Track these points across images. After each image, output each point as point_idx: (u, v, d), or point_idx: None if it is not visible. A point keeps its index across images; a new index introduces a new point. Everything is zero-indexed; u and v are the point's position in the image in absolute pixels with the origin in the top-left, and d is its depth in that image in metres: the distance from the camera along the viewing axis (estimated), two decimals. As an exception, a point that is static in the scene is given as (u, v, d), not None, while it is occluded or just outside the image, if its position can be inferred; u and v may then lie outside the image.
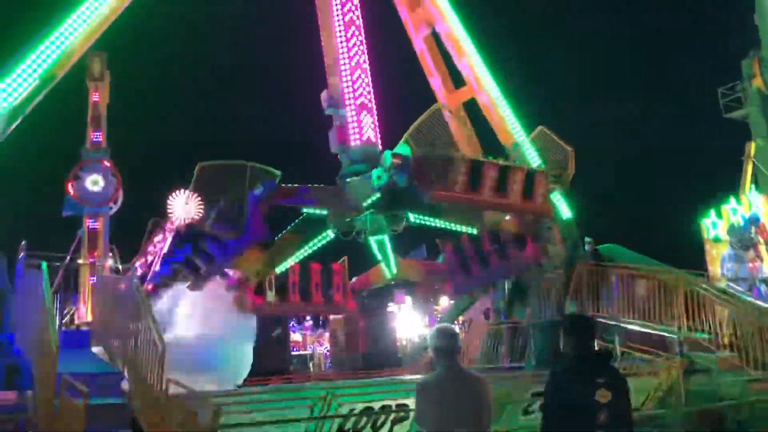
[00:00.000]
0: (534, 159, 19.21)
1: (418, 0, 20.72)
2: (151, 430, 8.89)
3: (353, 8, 18.38)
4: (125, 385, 10.26)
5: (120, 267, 19.66)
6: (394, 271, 18.57)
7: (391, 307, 29.02)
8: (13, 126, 14.73)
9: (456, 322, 22.73)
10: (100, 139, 21.75)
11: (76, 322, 19.99)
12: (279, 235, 17.27)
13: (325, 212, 15.45)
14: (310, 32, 19.09)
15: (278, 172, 14.44)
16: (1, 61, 14.50)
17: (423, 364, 17.78)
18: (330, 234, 16.66)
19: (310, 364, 33.05)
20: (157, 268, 15.53)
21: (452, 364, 4.80)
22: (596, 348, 4.71)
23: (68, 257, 20.64)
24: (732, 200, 23.87)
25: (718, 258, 22.46)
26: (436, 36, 20.81)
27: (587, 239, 18.37)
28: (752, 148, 26.23)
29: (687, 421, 12.37)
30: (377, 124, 17.65)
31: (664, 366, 13.08)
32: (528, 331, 17.20)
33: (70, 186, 20.63)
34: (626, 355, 15.47)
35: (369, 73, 18.02)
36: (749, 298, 15.61)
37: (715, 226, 23.39)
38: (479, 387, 4.78)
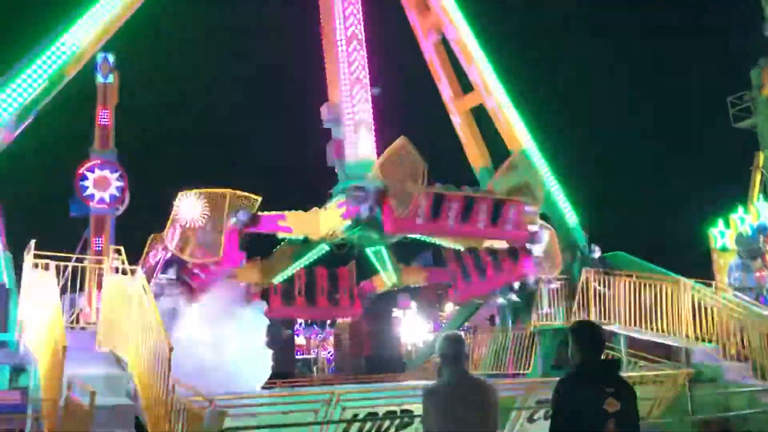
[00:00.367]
0: (542, 166, 19.21)
1: (427, 5, 20.77)
2: (155, 431, 8.90)
3: (356, 22, 18.43)
4: (131, 386, 10.27)
5: (127, 268, 19.66)
6: (395, 279, 18.65)
7: (396, 312, 29.00)
8: (23, 126, 14.81)
9: (461, 328, 22.70)
10: (107, 140, 21.83)
11: (81, 322, 20.02)
12: (277, 246, 17.39)
13: (301, 238, 15.56)
14: (315, 44, 19.14)
15: (258, 198, 14.60)
16: (12, 62, 14.58)
17: (428, 369, 17.77)
18: (325, 247, 16.80)
19: (314, 368, 33.04)
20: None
21: (459, 370, 4.79)
22: (603, 356, 4.68)
23: (74, 257, 20.69)
24: (740, 209, 23.78)
25: (726, 267, 22.33)
26: (444, 41, 20.86)
27: (594, 246, 18.35)
28: (761, 158, 26.15)
29: (693, 431, 12.31)
30: (375, 138, 17.72)
31: (671, 375, 13.04)
32: (534, 338, 17.17)
33: (76, 186, 20.70)
34: (632, 364, 15.42)
35: (369, 87, 18.12)
36: (757, 308, 15.52)
37: (723, 235, 23.30)
38: (486, 393, 4.76)
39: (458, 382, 4.72)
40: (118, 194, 21.00)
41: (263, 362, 15.32)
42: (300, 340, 36.11)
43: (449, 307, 33.00)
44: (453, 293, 19.24)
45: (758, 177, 26.02)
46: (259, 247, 16.94)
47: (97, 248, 20.70)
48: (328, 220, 15.35)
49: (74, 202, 20.79)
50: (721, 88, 28.07)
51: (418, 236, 16.32)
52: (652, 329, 15.19)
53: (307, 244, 16.60)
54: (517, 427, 11.85)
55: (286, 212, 15.07)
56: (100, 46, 16.57)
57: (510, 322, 18.42)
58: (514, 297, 17.19)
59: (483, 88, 19.94)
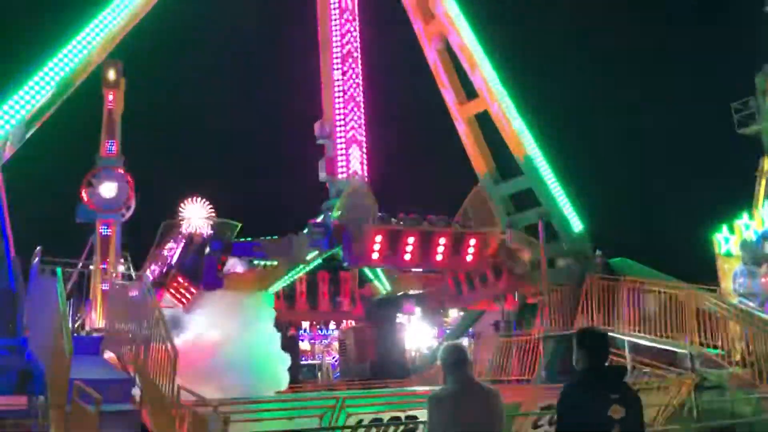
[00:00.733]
0: (546, 172, 19.22)
1: (432, 13, 20.85)
2: (161, 436, 8.93)
3: (352, 39, 18.65)
4: (136, 391, 10.31)
5: (132, 273, 19.78)
6: (389, 287, 18.76)
7: (401, 318, 28.97)
8: (31, 133, 14.92)
9: (466, 335, 22.70)
10: (113, 147, 21.96)
11: (87, 328, 20.12)
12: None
13: (275, 263, 15.90)
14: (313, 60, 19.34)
15: (238, 225, 15.09)
16: (21, 69, 14.70)
17: (432, 375, 17.76)
18: (319, 259, 17.00)
19: (319, 374, 33.00)
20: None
21: (463, 376, 4.82)
22: (608, 363, 4.69)
23: (80, 263, 20.81)
24: (745, 215, 23.73)
25: (730, 273, 22.29)
26: (449, 48, 20.93)
27: (597, 252, 18.33)
28: (765, 163, 26.09)
29: (698, 438, 12.28)
30: (366, 156, 18.10)
31: (676, 382, 13.00)
32: (538, 344, 17.15)
33: (83, 192, 20.82)
34: (636, 370, 15.38)
35: (363, 105, 18.37)
36: (762, 314, 15.47)
37: (728, 241, 23.25)
38: (491, 399, 4.79)
39: (463, 388, 4.75)
40: (123, 200, 21.13)
41: (283, 367, 15.59)
42: (305, 346, 36.10)
43: (453, 313, 32.94)
44: (446, 300, 19.61)
45: (763, 183, 25.94)
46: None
47: (103, 254, 20.80)
48: (300, 248, 15.82)
49: (81, 208, 20.93)
50: (725, 94, 28.07)
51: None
52: (656, 335, 15.16)
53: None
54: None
55: (261, 239, 15.52)
56: (107, 53, 16.68)
57: (514, 328, 18.42)
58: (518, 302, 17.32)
59: (487, 94, 19.99)
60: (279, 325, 17.94)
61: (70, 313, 17.65)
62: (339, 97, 18.04)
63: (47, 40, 15.27)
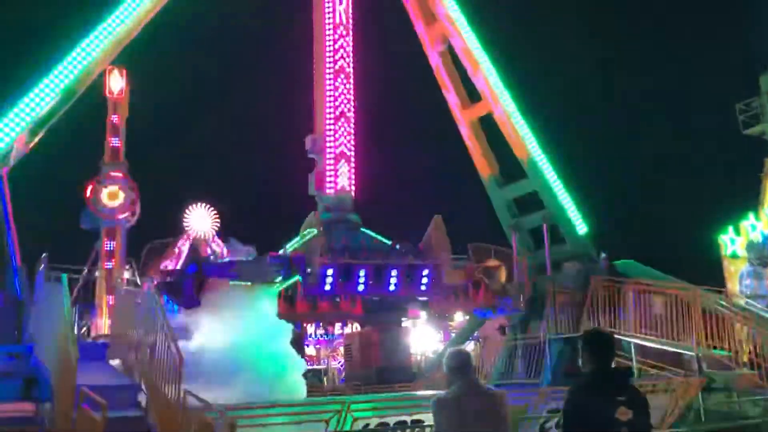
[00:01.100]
0: (550, 174, 19.20)
1: (433, 15, 20.87)
2: (167, 442, 8.93)
3: (345, 55, 18.80)
4: (142, 397, 10.32)
5: (138, 279, 19.80)
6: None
7: (406, 322, 28.93)
8: (36, 140, 14.99)
9: (471, 338, 22.66)
10: (118, 153, 22.01)
11: (93, 334, 20.14)
12: None
13: (249, 283, 16.46)
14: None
15: (223, 246, 15.62)
16: (25, 77, 14.78)
17: (438, 379, 17.74)
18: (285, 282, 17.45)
19: (324, 379, 32.97)
20: None
21: (468, 379, 4.83)
22: (614, 365, 4.68)
23: (86, 270, 20.84)
24: (751, 216, 23.67)
25: (737, 274, 22.25)
26: (451, 51, 20.93)
27: (602, 254, 18.30)
28: (771, 164, 26.01)
29: (706, 440, 12.22)
30: (354, 172, 18.50)
31: (683, 384, 12.94)
32: (543, 347, 17.11)
33: (88, 199, 20.86)
34: (643, 372, 15.33)
35: (353, 121, 18.57)
36: (769, 315, 15.43)
37: (734, 242, 23.20)
38: (496, 402, 4.79)
39: (468, 391, 4.74)
40: (128, 206, 21.16)
41: (299, 372, 15.87)
42: (310, 351, 36.09)
43: (459, 317, 32.90)
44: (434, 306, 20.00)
45: (768, 183, 25.86)
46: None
47: (108, 260, 20.84)
48: (269, 272, 16.46)
49: (86, 215, 20.97)
50: (730, 95, 28.00)
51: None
52: (663, 337, 15.11)
53: None
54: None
55: (236, 260, 16.19)
56: (110, 60, 16.76)
57: (520, 331, 18.39)
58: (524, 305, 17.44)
59: (490, 96, 19.99)
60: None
61: (76, 319, 17.72)
62: (330, 113, 18.27)
63: (52, 48, 15.36)
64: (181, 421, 8.75)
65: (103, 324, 19.56)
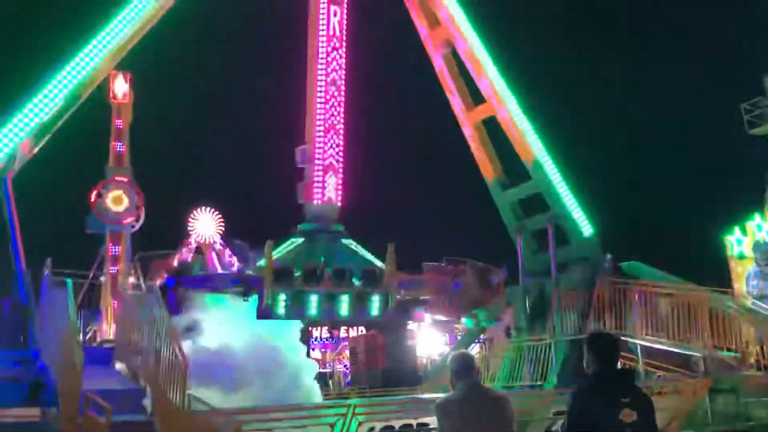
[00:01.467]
0: (555, 176, 19.15)
1: (437, 19, 20.86)
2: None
3: (338, 67, 18.83)
4: (147, 402, 10.32)
5: (143, 284, 19.86)
6: None
7: (411, 324, 28.89)
8: (40, 145, 15.03)
9: (477, 341, 22.61)
10: (122, 157, 22.07)
11: (98, 339, 20.18)
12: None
13: (227, 296, 17.01)
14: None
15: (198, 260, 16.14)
16: (29, 82, 14.82)
17: (443, 382, 17.74)
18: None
19: (330, 382, 32.95)
20: None
21: (472, 382, 4.83)
22: (620, 366, 4.66)
23: (91, 274, 20.90)
24: (757, 217, 23.55)
25: (743, 275, 22.11)
26: (455, 53, 20.91)
27: (608, 256, 18.22)
28: (777, 163, 25.88)
29: (713, 442, 12.14)
30: (342, 184, 18.67)
31: (689, 385, 12.88)
32: (549, 349, 17.06)
33: (93, 204, 20.93)
34: (648, 374, 15.27)
35: (342, 133, 18.77)
36: (776, 316, 15.32)
37: (740, 242, 23.07)
38: (501, 404, 4.78)
39: (470, 394, 4.74)
40: (133, 211, 21.22)
41: (311, 376, 16.10)
42: (316, 354, 36.08)
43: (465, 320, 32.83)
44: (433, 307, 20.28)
45: (774, 184, 25.73)
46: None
47: (113, 265, 20.88)
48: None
49: (91, 220, 21.04)
50: (735, 94, 27.89)
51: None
52: (669, 338, 15.04)
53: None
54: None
55: (213, 273, 17.08)
56: (114, 65, 16.80)
57: (526, 333, 18.33)
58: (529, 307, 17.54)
59: (494, 99, 19.95)
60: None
61: (81, 324, 17.77)
62: (319, 124, 18.42)
63: (56, 53, 15.39)
64: (186, 425, 8.74)
65: (108, 329, 19.60)
